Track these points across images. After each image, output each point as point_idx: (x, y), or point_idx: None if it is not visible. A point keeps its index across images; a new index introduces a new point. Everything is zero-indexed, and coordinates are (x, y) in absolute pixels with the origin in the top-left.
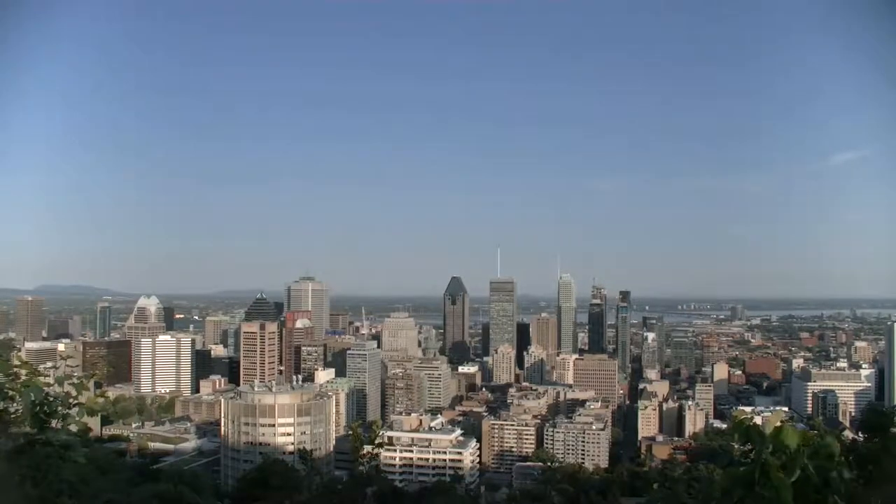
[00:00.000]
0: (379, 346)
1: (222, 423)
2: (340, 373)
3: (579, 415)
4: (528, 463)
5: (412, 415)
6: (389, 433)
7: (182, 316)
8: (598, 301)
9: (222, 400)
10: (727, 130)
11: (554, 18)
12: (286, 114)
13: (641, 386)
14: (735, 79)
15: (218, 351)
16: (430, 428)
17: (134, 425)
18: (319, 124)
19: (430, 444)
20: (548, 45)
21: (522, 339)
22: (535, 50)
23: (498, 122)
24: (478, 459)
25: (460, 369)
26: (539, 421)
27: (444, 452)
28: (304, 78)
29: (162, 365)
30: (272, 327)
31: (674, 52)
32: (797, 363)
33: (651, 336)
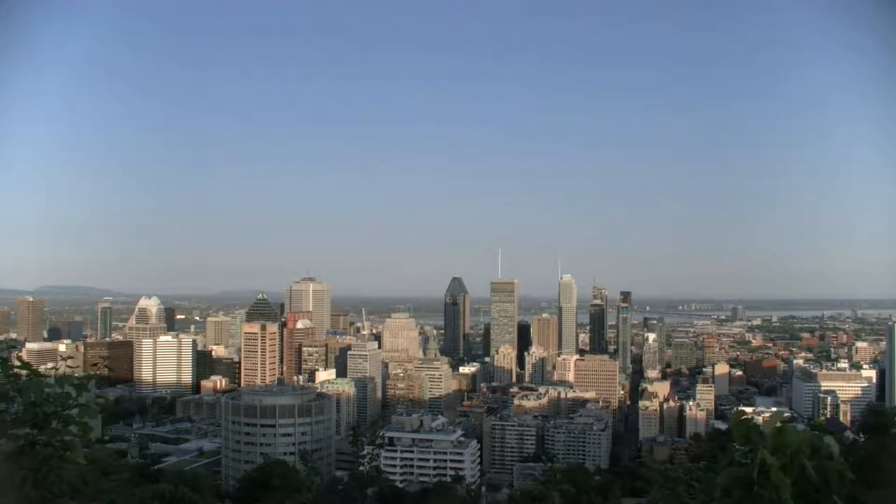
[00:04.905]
0: (380, 347)
1: (223, 424)
2: (341, 373)
3: (580, 415)
4: (529, 463)
5: (413, 415)
6: (390, 433)
7: (183, 316)
8: (598, 301)
9: (223, 400)
10: (728, 131)
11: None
12: (286, 114)
13: (642, 386)
14: (742, 79)
15: (219, 351)
16: (431, 428)
17: (135, 426)
18: (320, 124)
19: (430, 445)
20: (555, 54)
21: (523, 339)
22: (538, 56)
23: (498, 122)
24: (478, 460)
25: (461, 369)
26: (540, 421)
27: (445, 453)
28: (304, 79)
29: (163, 365)
30: (273, 328)
31: (679, 55)
32: (798, 363)
33: (652, 336)
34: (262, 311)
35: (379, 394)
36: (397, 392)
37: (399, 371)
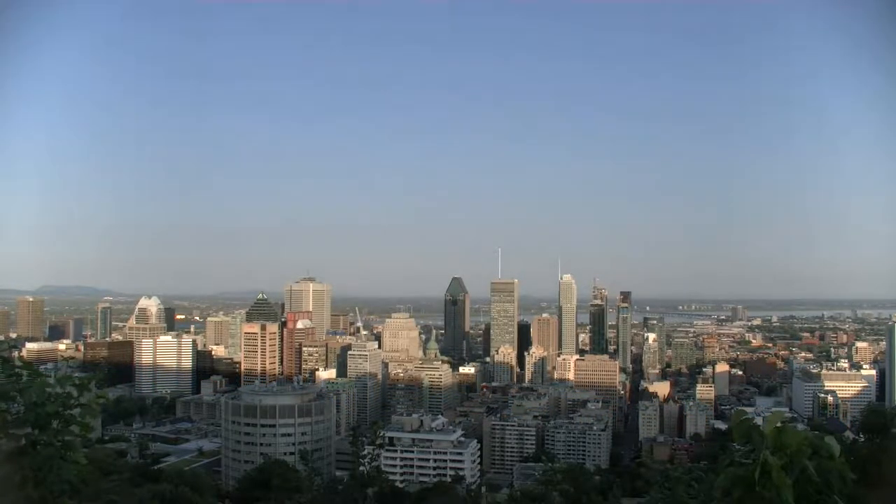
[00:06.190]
0: (380, 347)
1: (223, 424)
2: (342, 373)
3: (580, 415)
4: (529, 463)
5: (413, 415)
6: (390, 433)
7: (183, 317)
8: (598, 301)
9: (223, 400)
10: (728, 131)
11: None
12: (287, 114)
13: (642, 386)
14: (743, 79)
15: (219, 351)
16: (431, 428)
17: (135, 426)
18: (321, 125)
19: (430, 445)
20: (551, 53)
21: (523, 339)
22: (536, 56)
23: (497, 122)
24: (478, 460)
25: (461, 370)
26: (540, 421)
27: (445, 453)
28: (306, 80)
29: (163, 365)
30: (273, 328)
31: (679, 53)
32: (798, 364)
33: (652, 336)
34: (262, 311)
35: (379, 394)
36: (397, 392)
37: (399, 371)
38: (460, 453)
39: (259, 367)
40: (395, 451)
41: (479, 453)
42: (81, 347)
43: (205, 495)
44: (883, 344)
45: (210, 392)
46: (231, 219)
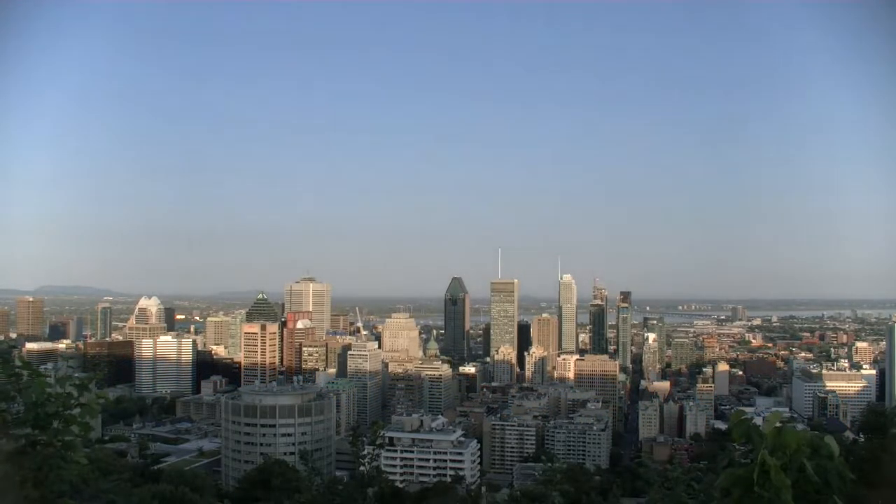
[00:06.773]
0: (380, 347)
1: (223, 424)
2: (342, 373)
3: (580, 415)
4: (529, 463)
5: (413, 415)
6: (390, 433)
7: (183, 317)
8: (598, 301)
9: (223, 400)
10: (729, 131)
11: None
12: (287, 115)
13: (642, 386)
14: (744, 78)
15: (219, 351)
16: (431, 428)
17: (135, 426)
18: (321, 125)
19: (430, 445)
20: (551, 53)
21: (523, 339)
22: (534, 56)
23: (498, 123)
24: (479, 460)
25: (461, 370)
26: (540, 421)
27: (445, 453)
28: (307, 83)
29: (163, 366)
30: (273, 328)
31: (681, 51)
32: (798, 364)
33: (652, 336)
34: (262, 311)
35: (379, 394)
36: (397, 392)
37: (399, 371)
38: (460, 453)
39: (259, 368)
40: (395, 451)
41: (479, 453)
42: (82, 347)
43: (205, 495)
44: (883, 344)
45: (210, 392)
46: (231, 219)
